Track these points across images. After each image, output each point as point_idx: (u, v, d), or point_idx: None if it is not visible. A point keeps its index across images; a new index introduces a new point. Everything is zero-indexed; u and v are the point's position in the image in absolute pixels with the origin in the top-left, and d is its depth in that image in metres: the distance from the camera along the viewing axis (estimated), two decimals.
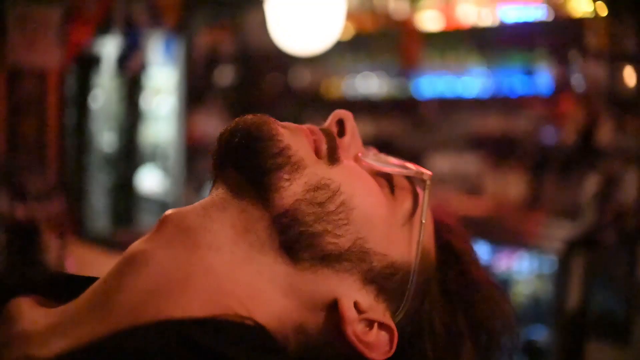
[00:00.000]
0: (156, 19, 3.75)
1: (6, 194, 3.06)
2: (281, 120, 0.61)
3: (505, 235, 3.03)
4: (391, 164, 0.67)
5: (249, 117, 0.59)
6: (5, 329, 0.54)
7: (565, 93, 3.00)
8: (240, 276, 0.55)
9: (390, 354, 0.58)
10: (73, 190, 3.42)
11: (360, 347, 0.57)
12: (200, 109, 4.04)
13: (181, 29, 3.83)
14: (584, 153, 2.81)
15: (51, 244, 2.26)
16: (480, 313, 0.67)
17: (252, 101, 4.09)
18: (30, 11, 3.23)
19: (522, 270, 3.16)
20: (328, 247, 0.57)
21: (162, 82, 3.99)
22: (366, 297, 0.59)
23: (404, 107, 3.67)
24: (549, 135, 3.10)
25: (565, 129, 2.95)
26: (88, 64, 3.61)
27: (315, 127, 0.63)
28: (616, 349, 2.62)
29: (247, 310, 0.54)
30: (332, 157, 0.61)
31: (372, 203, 0.61)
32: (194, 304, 0.53)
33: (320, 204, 0.57)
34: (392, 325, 0.59)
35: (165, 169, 4.03)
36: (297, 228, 0.56)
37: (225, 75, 4.11)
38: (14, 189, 3.12)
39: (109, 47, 3.60)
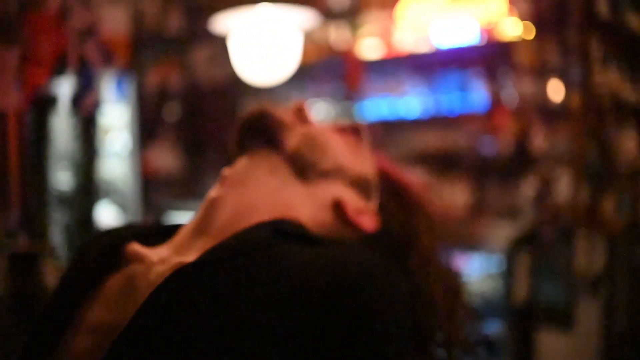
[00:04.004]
0: (108, 58, 3.96)
1: None
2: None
3: (455, 241, 3.34)
4: (340, 123, 1.01)
5: (255, 107, 0.95)
6: (140, 258, 0.82)
7: (500, 108, 3.33)
8: (281, 197, 0.87)
9: (373, 229, 0.91)
10: (35, 227, 3.56)
11: (358, 223, 0.90)
12: (153, 144, 4.23)
13: (132, 67, 4.04)
14: (520, 160, 3.11)
15: (47, 269, 2.45)
16: (420, 211, 0.97)
17: (202, 133, 4.32)
18: None
19: (472, 271, 3.47)
20: (322, 168, 0.91)
21: (116, 120, 4.15)
22: (352, 195, 0.92)
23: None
24: (487, 147, 3.41)
25: (501, 140, 3.27)
26: (44, 104, 3.75)
27: (290, 106, 0.97)
28: (562, 334, 2.93)
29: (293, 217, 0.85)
30: (306, 121, 0.95)
31: (337, 141, 0.95)
32: (264, 217, 0.83)
33: (311, 145, 0.91)
34: (372, 210, 0.93)
35: (121, 204, 4.19)
36: (302, 161, 0.90)
37: (175, 110, 4.32)
38: None
39: (64, 87, 3.76)
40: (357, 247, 0.80)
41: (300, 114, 0.95)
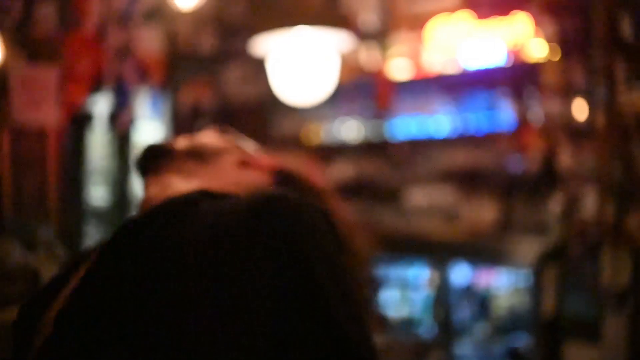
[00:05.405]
0: (143, 77, 4.20)
1: (18, 244, 3.42)
2: None
3: (483, 255, 3.52)
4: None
5: (143, 147, 1.17)
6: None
7: (526, 127, 3.49)
8: (200, 178, 1.08)
9: (274, 166, 1.14)
10: (72, 242, 3.78)
11: (261, 164, 1.13)
12: None
13: (166, 86, 4.28)
14: (547, 177, 3.27)
15: None
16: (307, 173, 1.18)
17: None
18: (31, 72, 3.61)
19: (500, 285, 3.64)
20: (213, 149, 1.13)
21: (150, 136, 4.37)
22: (246, 154, 1.15)
23: (380, 148, 4.18)
24: (514, 165, 3.58)
25: (528, 158, 3.43)
26: (81, 121, 3.98)
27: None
28: (589, 347, 3.06)
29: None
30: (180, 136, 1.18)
31: (207, 135, 1.19)
32: None
33: (193, 140, 1.15)
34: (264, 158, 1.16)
35: None
36: (196, 152, 1.12)
37: (207, 128, 4.53)
38: (25, 240, 3.48)
39: (100, 105, 3.99)
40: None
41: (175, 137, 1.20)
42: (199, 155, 1.10)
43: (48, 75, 3.75)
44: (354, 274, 0.97)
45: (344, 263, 0.87)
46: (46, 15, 3.84)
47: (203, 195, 0.93)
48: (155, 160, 1.10)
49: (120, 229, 0.85)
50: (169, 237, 0.81)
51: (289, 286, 0.77)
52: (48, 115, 3.72)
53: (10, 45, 3.45)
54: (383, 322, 3.60)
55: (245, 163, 1.11)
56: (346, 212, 1.13)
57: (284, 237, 0.80)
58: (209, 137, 1.16)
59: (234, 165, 1.10)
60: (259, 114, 4.49)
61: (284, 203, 0.84)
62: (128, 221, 0.87)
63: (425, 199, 3.90)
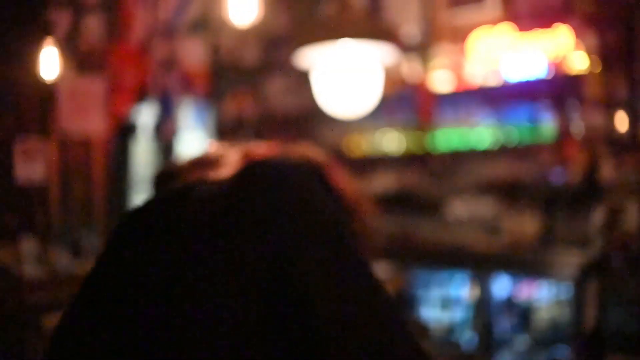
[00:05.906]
0: (187, 87, 4.35)
1: (65, 251, 3.58)
2: None
3: (525, 268, 3.57)
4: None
5: (157, 170, 1.22)
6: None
7: (568, 139, 3.54)
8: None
9: (277, 150, 1.16)
10: None
11: (261, 152, 1.15)
12: None
13: (210, 96, 4.42)
14: (589, 190, 3.32)
15: None
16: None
17: None
18: (78, 83, 3.77)
19: (542, 297, 3.68)
20: (215, 155, 1.14)
21: (194, 146, 4.51)
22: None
23: (422, 160, 4.25)
24: (556, 177, 3.62)
25: (570, 170, 3.48)
26: (126, 131, 4.13)
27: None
28: None
29: None
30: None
31: (216, 145, 1.22)
32: None
33: (199, 157, 1.15)
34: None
35: None
36: (204, 161, 1.12)
37: (250, 138, 4.67)
38: (72, 246, 3.63)
39: (145, 115, 4.14)
40: None
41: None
42: (203, 164, 1.13)
43: (95, 86, 3.91)
44: (359, 239, 0.96)
45: (342, 221, 0.82)
46: (93, 28, 4.00)
47: (201, 183, 0.90)
48: (166, 180, 1.14)
49: (118, 221, 0.88)
50: (160, 222, 0.82)
51: (269, 261, 0.72)
52: (94, 125, 3.88)
53: (59, 57, 3.62)
54: (425, 331, 3.67)
55: (247, 155, 1.12)
56: (353, 182, 1.10)
57: (267, 203, 0.77)
58: (211, 148, 1.20)
59: (238, 160, 1.11)
60: (302, 125, 4.60)
61: (266, 167, 0.83)
62: (126, 211, 0.89)
63: (466, 211, 3.96)
